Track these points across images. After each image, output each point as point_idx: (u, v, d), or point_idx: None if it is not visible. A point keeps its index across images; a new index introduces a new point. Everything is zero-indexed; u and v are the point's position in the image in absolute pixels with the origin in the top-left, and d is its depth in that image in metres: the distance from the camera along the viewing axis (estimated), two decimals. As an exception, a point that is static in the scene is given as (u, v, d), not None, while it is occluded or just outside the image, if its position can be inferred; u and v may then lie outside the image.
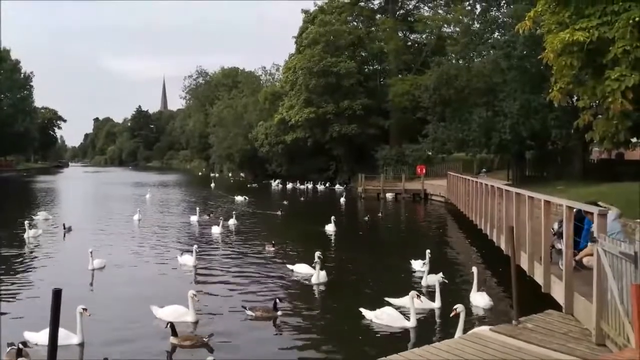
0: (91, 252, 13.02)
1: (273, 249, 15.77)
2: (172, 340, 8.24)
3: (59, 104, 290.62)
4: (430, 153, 42.15)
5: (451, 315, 8.27)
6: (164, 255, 15.70)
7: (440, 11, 52.00)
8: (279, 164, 59.20)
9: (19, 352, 7.27)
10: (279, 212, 25.98)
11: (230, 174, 75.39)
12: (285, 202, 32.06)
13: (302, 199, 38.72)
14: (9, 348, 7.46)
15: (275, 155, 58.47)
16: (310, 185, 49.85)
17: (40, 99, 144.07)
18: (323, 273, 12.14)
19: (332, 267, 12.94)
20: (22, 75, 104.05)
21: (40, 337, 7.78)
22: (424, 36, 52.81)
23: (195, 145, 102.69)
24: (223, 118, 73.98)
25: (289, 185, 51.14)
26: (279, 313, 9.63)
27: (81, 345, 8.05)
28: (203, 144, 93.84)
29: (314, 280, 11.93)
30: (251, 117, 65.19)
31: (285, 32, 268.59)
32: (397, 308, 9.52)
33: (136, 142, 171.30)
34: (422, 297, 9.64)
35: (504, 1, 34.02)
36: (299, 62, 52.07)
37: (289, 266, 13.30)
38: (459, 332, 7.73)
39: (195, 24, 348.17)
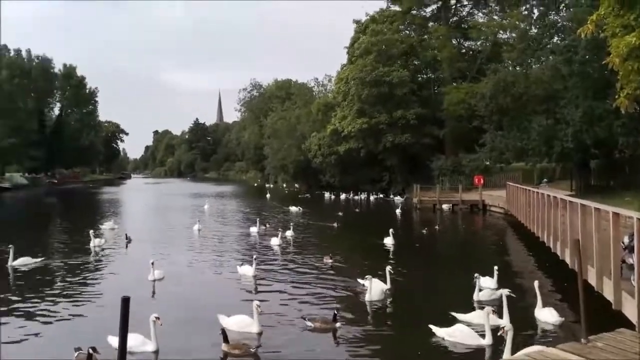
0: (152, 263, 13.39)
1: (331, 261, 15.74)
2: (223, 347, 8.44)
3: (121, 118, 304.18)
4: (487, 163, 41.08)
5: (499, 334, 8.01)
6: (224, 265, 16.02)
7: (495, 17, 50.76)
8: (332, 175, 59.29)
9: (89, 357, 7.47)
10: (334, 224, 25.99)
11: (284, 185, 76.29)
12: (339, 214, 32.06)
13: (356, 210, 38.54)
14: (77, 353, 7.70)
15: (328, 166, 58.63)
16: (363, 196, 49.70)
17: (104, 113, 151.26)
18: (379, 288, 11.78)
19: (393, 281, 12.72)
20: (87, 90, 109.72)
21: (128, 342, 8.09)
22: (478, 43, 51.73)
23: (251, 157, 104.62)
24: (277, 129, 75.00)
25: (342, 196, 51.20)
26: (338, 325, 9.63)
27: (156, 352, 8.37)
28: (258, 156, 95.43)
29: (366, 297, 11.52)
30: (304, 128, 65.80)
31: (335, 42, 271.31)
32: (466, 324, 9.26)
33: (194, 154, 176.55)
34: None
35: (563, 4, 32.94)
36: (351, 72, 52.26)
37: (360, 280, 12.72)
38: (506, 353, 7.44)
39: (247, 36, 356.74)
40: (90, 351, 7.51)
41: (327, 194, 54.12)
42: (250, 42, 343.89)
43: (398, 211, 33.63)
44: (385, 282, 12.26)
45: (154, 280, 13.23)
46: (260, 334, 9.27)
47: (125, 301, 4.96)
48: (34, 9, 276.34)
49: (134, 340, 8.10)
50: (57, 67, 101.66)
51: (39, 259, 16.03)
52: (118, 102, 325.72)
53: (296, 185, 72.95)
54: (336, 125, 53.79)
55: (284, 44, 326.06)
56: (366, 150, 51.75)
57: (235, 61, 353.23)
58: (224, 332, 8.58)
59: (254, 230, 23.15)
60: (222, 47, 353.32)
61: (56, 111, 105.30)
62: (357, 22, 57.41)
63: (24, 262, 15.54)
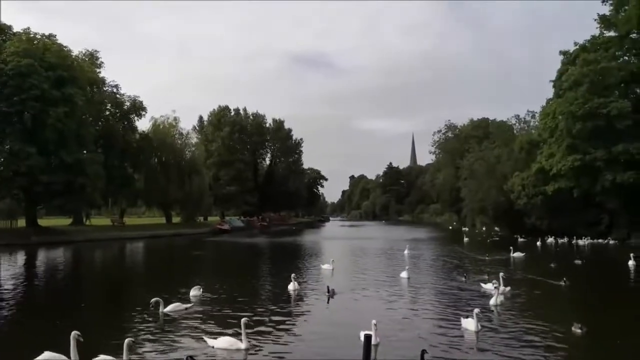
0: (375, 324, 11.71)
1: (579, 331, 12.74)
2: None
3: (321, 165, 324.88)
4: None
5: None
6: (441, 319, 14.80)
7: None
8: (539, 217, 55.15)
9: None
10: (562, 282, 21.26)
11: (483, 228, 72.69)
12: (552, 265, 28.32)
13: (576, 261, 30.52)
14: None
15: (534, 208, 54.74)
16: (586, 242, 45.29)
17: (307, 161, 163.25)
18: None
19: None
20: (293, 141, 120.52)
21: None
22: None
23: (446, 199, 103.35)
24: (475, 170, 72.92)
25: (549, 240, 47.33)
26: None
27: None
28: (453, 198, 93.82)
29: None
30: (505, 167, 63.00)
31: (536, 78, 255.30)
32: None
33: (388, 197, 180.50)
34: None
35: None
36: (558, 106, 48.51)
37: None
38: None
39: (436, 77, 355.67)
40: None
41: (520, 239, 50.36)
42: (443, 83, 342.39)
43: (631, 263, 27.93)
44: None
45: (376, 345, 11.40)
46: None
47: (368, 338, 5.23)
48: (251, 73, 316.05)
49: None
50: (268, 122, 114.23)
51: (188, 305, 15.90)
52: (318, 150, 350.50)
53: (496, 228, 69.11)
54: (543, 164, 50.22)
55: (480, 83, 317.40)
56: (579, 190, 46.94)
57: (428, 103, 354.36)
58: None
59: (487, 287, 19.40)
60: (413, 91, 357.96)
61: (267, 161, 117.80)
62: (564, 53, 53.31)
63: (174, 308, 15.22)
